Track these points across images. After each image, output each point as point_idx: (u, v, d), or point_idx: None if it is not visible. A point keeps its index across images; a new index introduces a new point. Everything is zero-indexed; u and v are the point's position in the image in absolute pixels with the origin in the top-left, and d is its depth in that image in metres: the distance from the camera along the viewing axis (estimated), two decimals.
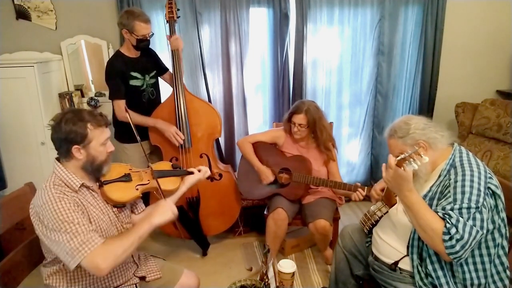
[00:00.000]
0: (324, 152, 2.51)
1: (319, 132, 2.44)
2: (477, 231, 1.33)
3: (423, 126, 1.54)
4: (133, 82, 2.50)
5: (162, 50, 3.06)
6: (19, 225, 1.69)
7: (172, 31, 2.55)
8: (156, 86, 2.69)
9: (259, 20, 3.17)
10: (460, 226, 1.32)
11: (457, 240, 1.31)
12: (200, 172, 1.81)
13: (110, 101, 2.54)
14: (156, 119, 2.55)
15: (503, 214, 1.46)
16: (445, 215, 1.37)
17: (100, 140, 1.46)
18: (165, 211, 1.50)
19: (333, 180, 2.48)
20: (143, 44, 2.46)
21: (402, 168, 1.33)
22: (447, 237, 1.33)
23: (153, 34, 2.50)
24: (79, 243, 1.30)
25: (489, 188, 1.41)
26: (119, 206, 1.60)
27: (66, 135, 1.40)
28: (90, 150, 1.45)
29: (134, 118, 2.47)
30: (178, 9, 2.60)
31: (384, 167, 1.43)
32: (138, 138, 1.72)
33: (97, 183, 1.54)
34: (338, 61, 3.33)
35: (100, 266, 1.29)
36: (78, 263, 1.29)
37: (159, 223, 1.47)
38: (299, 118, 2.41)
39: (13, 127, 2.83)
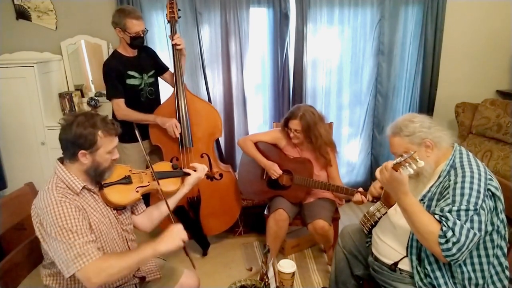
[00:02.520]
0: (321, 158, 2.49)
1: (313, 138, 2.41)
2: (475, 234, 1.32)
3: (429, 125, 1.52)
4: (130, 81, 2.50)
5: (162, 50, 3.06)
6: (19, 225, 1.69)
7: (173, 31, 2.55)
8: (155, 85, 2.68)
9: (259, 20, 3.17)
10: (457, 228, 1.31)
11: (454, 243, 1.30)
12: (198, 171, 1.81)
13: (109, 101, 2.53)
14: (156, 115, 2.55)
15: (503, 216, 1.45)
16: (442, 218, 1.36)
17: (108, 148, 1.46)
18: (173, 239, 1.41)
19: (334, 184, 2.47)
20: (137, 42, 2.45)
21: (398, 172, 1.33)
22: (443, 240, 1.32)
23: (147, 30, 2.49)
24: (75, 255, 1.30)
25: (489, 190, 1.40)
26: (119, 208, 1.60)
27: (75, 138, 1.39)
28: (96, 156, 1.44)
29: (134, 115, 2.48)
30: (179, 9, 2.60)
31: (378, 170, 1.41)
32: (139, 137, 1.68)
33: (97, 185, 1.54)
34: (338, 61, 3.33)
35: (92, 280, 1.29)
36: (72, 274, 1.30)
37: (165, 251, 1.40)
38: (294, 124, 2.39)
39: (13, 127, 2.83)
